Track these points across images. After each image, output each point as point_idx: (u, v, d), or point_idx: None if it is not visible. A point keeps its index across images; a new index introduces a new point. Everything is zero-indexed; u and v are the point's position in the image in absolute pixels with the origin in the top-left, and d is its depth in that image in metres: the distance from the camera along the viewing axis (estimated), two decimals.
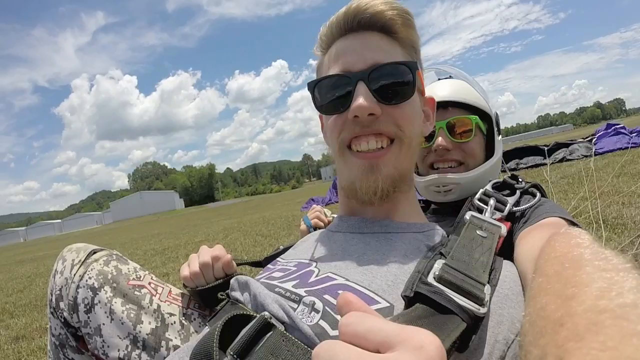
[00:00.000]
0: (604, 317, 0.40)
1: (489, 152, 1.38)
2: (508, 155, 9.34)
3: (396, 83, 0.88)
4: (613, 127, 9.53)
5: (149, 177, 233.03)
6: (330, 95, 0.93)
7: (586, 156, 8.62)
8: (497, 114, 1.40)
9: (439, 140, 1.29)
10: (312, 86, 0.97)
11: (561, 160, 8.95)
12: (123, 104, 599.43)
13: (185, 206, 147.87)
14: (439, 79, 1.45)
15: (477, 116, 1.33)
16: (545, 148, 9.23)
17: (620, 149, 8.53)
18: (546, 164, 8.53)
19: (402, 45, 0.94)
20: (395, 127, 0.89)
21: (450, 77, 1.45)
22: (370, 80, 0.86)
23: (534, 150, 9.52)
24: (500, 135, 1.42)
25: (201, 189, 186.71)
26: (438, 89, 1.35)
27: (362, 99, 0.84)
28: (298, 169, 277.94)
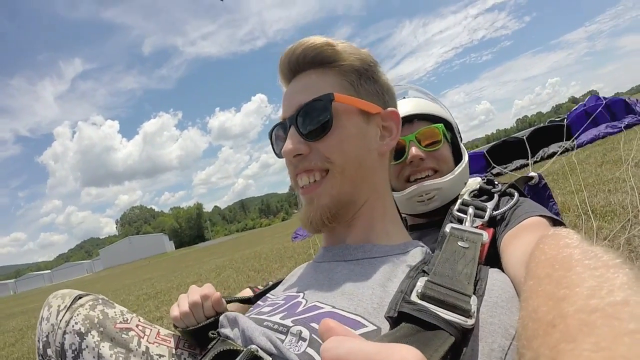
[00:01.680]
0: (595, 317, 0.40)
1: (457, 157, 1.43)
2: (492, 156, 9.43)
3: (315, 119, 0.92)
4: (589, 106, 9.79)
5: (137, 221, 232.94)
6: (277, 142, 1.05)
7: (567, 150, 8.77)
8: (456, 122, 1.47)
9: (413, 151, 1.31)
10: (269, 135, 1.08)
11: (541, 159, 9.10)
12: (106, 149, 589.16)
13: (176, 248, 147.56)
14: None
15: (442, 124, 1.38)
16: (524, 137, 9.34)
17: (599, 137, 8.73)
18: (528, 164, 8.65)
19: (337, 72, 0.97)
20: (323, 161, 0.93)
21: (404, 97, 1.53)
22: (298, 123, 0.93)
23: (514, 144, 9.64)
24: (462, 141, 1.49)
25: (190, 229, 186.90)
26: (401, 107, 1.37)
27: (287, 142, 0.93)
28: (286, 201, 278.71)
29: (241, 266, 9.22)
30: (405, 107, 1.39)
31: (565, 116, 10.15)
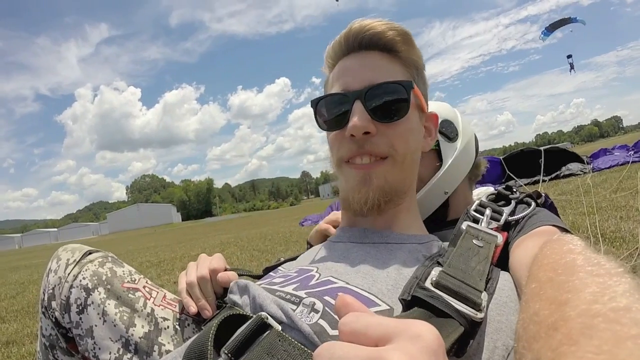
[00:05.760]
0: (597, 321, 0.40)
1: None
2: (508, 165, 9.37)
3: (391, 102, 0.91)
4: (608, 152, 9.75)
5: (147, 189, 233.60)
6: (330, 113, 0.97)
7: (585, 172, 8.69)
8: (445, 120, 1.35)
9: None
10: (315, 103, 1.01)
11: (557, 177, 9.03)
12: (126, 115, 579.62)
13: (182, 220, 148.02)
14: None
15: None
16: (542, 149, 9.29)
17: (618, 164, 8.63)
18: (544, 181, 8.60)
19: (403, 63, 0.96)
20: (388, 147, 0.91)
21: None
22: (367, 99, 0.89)
23: (530, 155, 9.57)
24: (458, 139, 1.37)
25: (199, 203, 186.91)
26: None
27: (357, 118, 0.88)
28: (296, 186, 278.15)
29: (246, 245, 9.17)
30: None
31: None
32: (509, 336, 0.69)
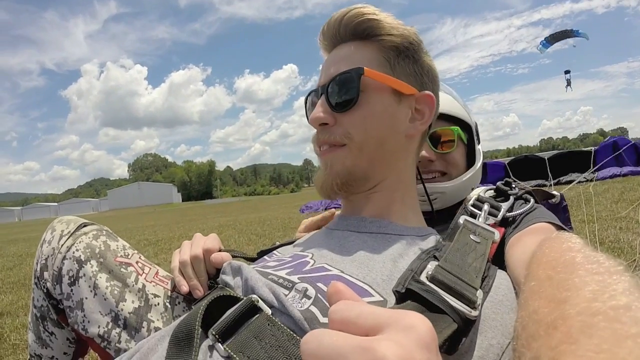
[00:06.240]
0: (597, 319, 0.40)
1: (471, 161, 1.38)
2: (512, 169, 9.47)
3: (342, 92, 0.92)
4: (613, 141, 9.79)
5: (148, 168, 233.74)
6: (310, 107, 1.03)
7: (588, 180, 8.71)
8: (476, 124, 1.41)
9: (422, 152, 1.25)
10: (305, 99, 1.08)
11: (559, 183, 9.06)
12: (131, 93, 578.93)
13: (183, 200, 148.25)
14: None
15: (458, 127, 1.32)
16: (546, 157, 9.37)
17: (621, 174, 8.65)
18: (547, 185, 8.61)
19: (377, 47, 0.94)
20: (343, 135, 0.92)
21: None
22: (328, 92, 0.93)
23: (535, 162, 9.66)
24: (480, 144, 1.43)
25: (200, 185, 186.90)
26: None
27: (316, 110, 0.93)
28: (298, 173, 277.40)
29: (244, 228, 9.26)
30: None
31: (592, 149, 10.16)
32: (504, 335, 0.69)
